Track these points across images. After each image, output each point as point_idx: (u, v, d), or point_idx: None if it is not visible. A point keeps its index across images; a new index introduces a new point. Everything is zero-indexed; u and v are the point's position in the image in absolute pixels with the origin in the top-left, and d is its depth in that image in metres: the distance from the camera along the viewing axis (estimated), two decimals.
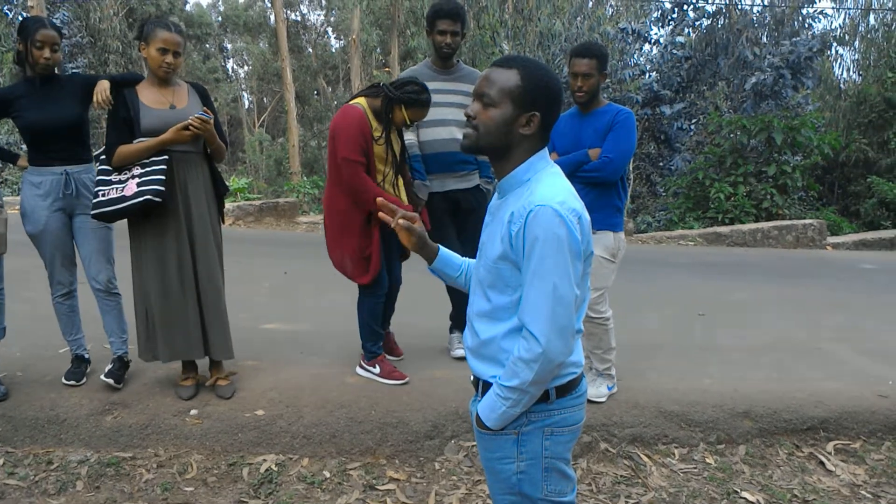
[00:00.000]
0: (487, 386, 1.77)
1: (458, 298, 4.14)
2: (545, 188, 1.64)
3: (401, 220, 1.88)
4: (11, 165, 3.72)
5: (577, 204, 1.66)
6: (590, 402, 3.57)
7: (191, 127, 3.24)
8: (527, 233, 1.61)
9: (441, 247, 2.02)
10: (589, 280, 1.80)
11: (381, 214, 1.94)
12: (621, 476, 3.28)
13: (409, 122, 3.60)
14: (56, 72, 3.50)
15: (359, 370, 3.90)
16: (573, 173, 3.44)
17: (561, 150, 3.58)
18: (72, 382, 3.63)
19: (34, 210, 3.48)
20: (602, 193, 3.48)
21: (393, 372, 3.81)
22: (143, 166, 3.27)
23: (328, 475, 3.19)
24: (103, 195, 3.28)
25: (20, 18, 20.40)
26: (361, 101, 3.60)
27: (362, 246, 3.59)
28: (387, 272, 3.76)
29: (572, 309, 1.63)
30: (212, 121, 3.31)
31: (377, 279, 3.65)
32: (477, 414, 1.79)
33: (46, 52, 3.37)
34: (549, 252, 1.59)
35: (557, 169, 1.75)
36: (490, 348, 1.77)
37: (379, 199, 1.93)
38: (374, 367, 3.84)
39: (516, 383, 1.66)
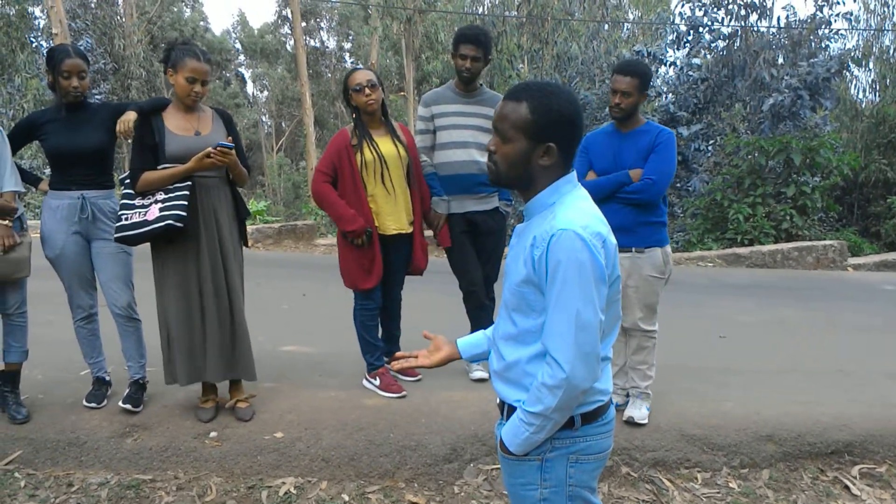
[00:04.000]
0: (512, 410, 1.75)
1: (478, 320, 4.14)
2: (569, 212, 1.63)
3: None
4: (34, 189, 3.77)
5: (602, 228, 1.64)
6: (635, 424, 3.56)
7: (211, 156, 3.27)
8: (549, 257, 1.59)
9: (458, 340, 2.04)
10: (619, 306, 1.78)
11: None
12: (643, 501, 3.24)
13: (359, 92, 3.68)
14: (86, 99, 3.56)
15: (364, 382, 4.03)
16: (614, 193, 3.43)
17: (599, 170, 3.56)
18: (93, 405, 3.66)
19: (52, 234, 3.52)
20: (643, 212, 3.47)
21: (391, 385, 3.90)
22: (166, 191, 3.31)
23: (347, 498, 3.18)
24: (126, 219, 3.31)
25: (42, 45, 20.86)
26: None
27: (364, 257, 3.79)
28: (384, 291, 3.94)
29: (596, 334, 1.61)
30: (234, 149, 3.34)
31: (373, 290, 3.82)
32: (501, 438, 1.77)
33: (74, 81, 3.43)
34: (571, 277, 1.57)
35: (584, 192, 1.74)
36: (515, 372, 1.75)
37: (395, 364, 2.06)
38: (375, 379, 3.94)
39: (540, 409, 1.64)
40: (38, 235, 3.58)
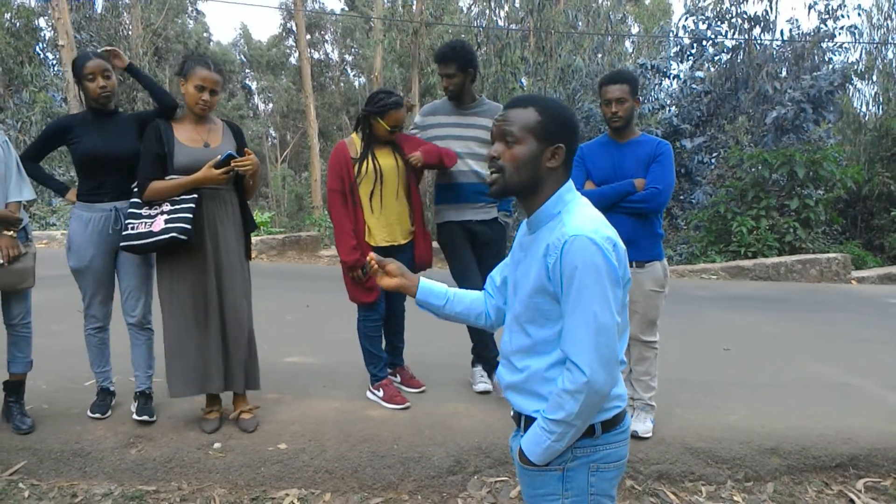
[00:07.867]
0: (530, 421, 1.75)
1: (478, 333, 4.14)
2: (577, 219, 1.66)
3: (374, 264, 1.96)
4: (60, 198, 3.75)
5: (611, 232, 1.67)
6: (639, 437, 3.55)
7: (244, 162, 3.34)
8: (564, 264, 1.61)
9: (421, 278, 2.02)
10: (627, 311, 1.78)
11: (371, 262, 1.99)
12: None
13: (390, 129, 3.72)
14: (114, 105, 3.58)
15: (368, 393, 4.04)
16: (617, 203, 3.44)
17: (598, 179, 3.57)
18: (97, 415, 3.66)
19: (81, 247, 3.51)
20: (645, 224, 3.49)
21: (395, 396, 3.92)
22: (172, 203, 3.33)
23: None
24: (132, 228, 3.33)
25: (49, 57, 20.98)
26: (354, 134, 3.90)
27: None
28: (387, 302, 3.96)
29: (614, 337, 1.62)
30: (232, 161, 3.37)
31: (375, 302, 3.83)
32: (520, 449, 1.76)
33: (100, 81, 3.46)
34: (587, 281, 1.59)
35: (585, 200, 1.78)
36: (533, 383, 1.75)
37: (370, 256, 2.00)
38: (379, 390, 3.96)
39: (561, 416, 1.64)
40: (45, 245, 3.59)
